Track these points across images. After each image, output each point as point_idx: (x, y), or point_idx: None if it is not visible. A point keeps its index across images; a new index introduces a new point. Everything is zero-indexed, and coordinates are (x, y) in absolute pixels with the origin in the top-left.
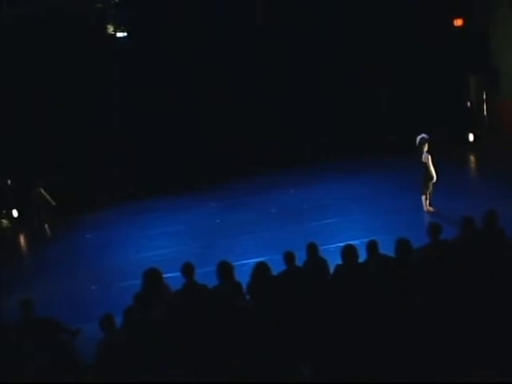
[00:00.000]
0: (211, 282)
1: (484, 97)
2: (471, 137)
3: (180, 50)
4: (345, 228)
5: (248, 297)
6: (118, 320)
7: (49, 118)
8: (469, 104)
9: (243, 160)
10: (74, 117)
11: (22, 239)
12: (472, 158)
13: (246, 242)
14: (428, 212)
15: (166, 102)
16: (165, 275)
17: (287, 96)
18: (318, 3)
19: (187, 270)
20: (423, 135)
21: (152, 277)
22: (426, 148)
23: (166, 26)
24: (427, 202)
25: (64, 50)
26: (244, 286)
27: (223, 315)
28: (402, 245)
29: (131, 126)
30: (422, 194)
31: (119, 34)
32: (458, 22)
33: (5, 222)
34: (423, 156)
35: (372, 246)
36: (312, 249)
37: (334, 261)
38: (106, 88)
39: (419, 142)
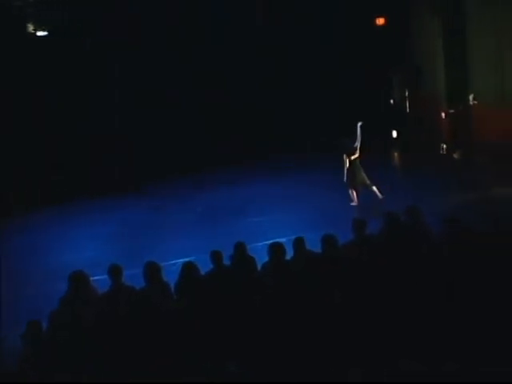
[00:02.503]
0: (139, 283)
1: (406, 94)
2: (394, 133)
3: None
4: (273, 226)
5: (176, 297)
6: (44, 324)
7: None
8: (392, 102)
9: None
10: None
11: None
12: (395, 154)
13: (175, 241)
14: (354, 204)
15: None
16: (92, 278)
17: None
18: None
19: (114, 271)
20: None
21: (78, 280)
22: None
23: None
24: (354, 195)
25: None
26: (172, 286)
27: (150, 317)
28: (328, 241)
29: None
30: (349, 188)
31: (39, 33)
32: (380, 21)
33: None
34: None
35: (298, 243)
36: (240, 247)
37: (261, 259)
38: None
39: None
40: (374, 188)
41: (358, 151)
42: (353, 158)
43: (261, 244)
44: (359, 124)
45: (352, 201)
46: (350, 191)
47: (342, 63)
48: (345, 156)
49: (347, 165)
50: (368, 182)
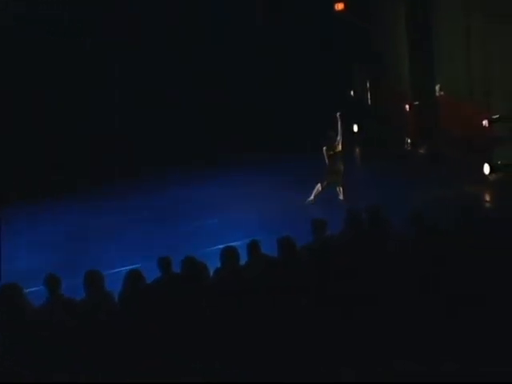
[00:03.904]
0: (79, 294)
1: (368, 85)
2: (355, 127)
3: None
4: (225, 229)
5: (120, 308)
6: None
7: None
8: (352, 93)
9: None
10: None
11: None
12: (356, 150)
13: (117, 247)
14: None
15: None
16: (26, 290)
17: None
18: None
19: (51, 282)
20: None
21: (9, 293)
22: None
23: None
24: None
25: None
26: (116, 296)
27: (90, 330)
28: (285, 244)
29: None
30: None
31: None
32: (339, 6)
33: None
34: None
35: (253, 247)
36: (190, 254)
37: (213, 264)
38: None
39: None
40: (341, 189)
41: (339, 144)
42: (334, 152)
43: (212, 248)
44: (338, 114)
45: (338, 195)
46: (337, 188)
47: (299, 51)
48: (324, 149)
49: (327, 159)
50: (341, 179)
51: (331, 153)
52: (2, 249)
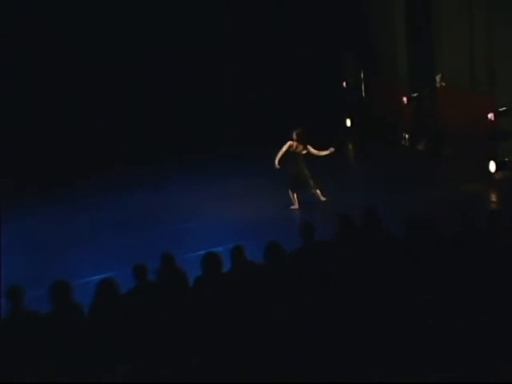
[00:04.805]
0: (46, 307)
1: (362, 75)
2: (348, 122)
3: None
4: (207, 233)
5: (90, 321)
6: None
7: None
8: (344, 84)
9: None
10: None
11: None
12: (349, 146)
13: (89, 254)
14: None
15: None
16: None
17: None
18: None
19: (13, 294)
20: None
21: None
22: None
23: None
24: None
25: None
26: (86, 308)
27: (56, 345)
28: (272, 249)
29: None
30: (290, 189)
31: None
32: None
33: None
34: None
35: (237, 253)
36: (168, 259)
37: (193, 272)
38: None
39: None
40: (317, 190)
41: (309, 150)
42: (300, 151)
43: (193, 254)
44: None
45: (292, 204)
46: (290, 192)
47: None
48: (288, 145)
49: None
50: (311, 181)
51: (296, 151)
52: None
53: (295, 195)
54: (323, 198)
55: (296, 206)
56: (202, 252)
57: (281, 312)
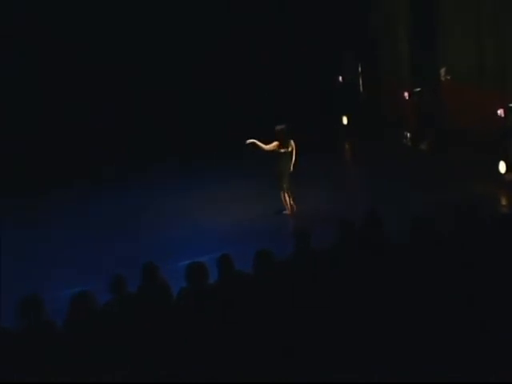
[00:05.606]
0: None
1: (359, 70)
2: (345, 119)
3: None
4: (191, 241)
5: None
6: None
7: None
8: (341, 79)
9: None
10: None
11: None
12: (346, 145)
13: (63, 266)
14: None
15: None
16: None
17: None
18: None
19: None
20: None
21: None
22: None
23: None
24: (288, 201)
25: None
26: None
27: (28, 364)
28: (262, 257)
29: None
30: (280, 190)
31: None
32: None
33: None
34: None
35: (224, 262)
36: (149, 269)
37: (177, 283)
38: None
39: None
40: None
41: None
42: (284, 150)
43: (177, 265)
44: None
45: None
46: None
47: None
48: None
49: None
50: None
51: (281, 150)
52: None
53: (287, 199)
54: (287, 212)
55: (288, 211)
56: (187, 262)
57: (271, 326)
